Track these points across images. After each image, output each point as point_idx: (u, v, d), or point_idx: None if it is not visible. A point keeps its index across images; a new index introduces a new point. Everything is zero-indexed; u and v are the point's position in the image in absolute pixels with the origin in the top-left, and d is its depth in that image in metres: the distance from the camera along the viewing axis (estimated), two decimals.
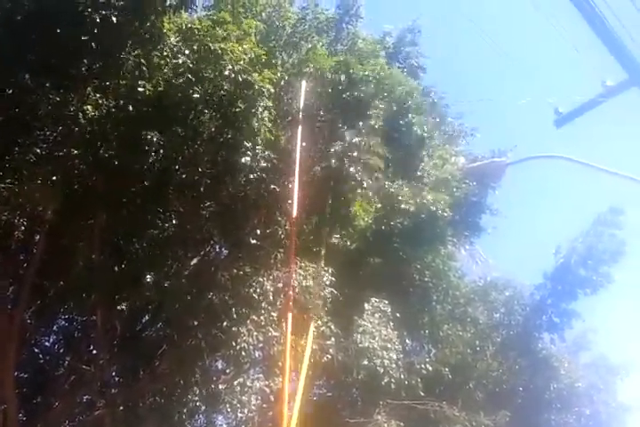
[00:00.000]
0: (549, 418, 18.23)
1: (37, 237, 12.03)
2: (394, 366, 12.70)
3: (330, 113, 13.77)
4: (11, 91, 10.03)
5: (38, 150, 10.16)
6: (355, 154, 12.92)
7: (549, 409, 18.33)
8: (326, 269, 12.55)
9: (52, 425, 12.55)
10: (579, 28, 8.01)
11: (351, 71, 13.62)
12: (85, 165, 10.84)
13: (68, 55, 9.86)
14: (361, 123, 13.39)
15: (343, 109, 13.66)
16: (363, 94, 13.58)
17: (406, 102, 14.98)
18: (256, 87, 10.93)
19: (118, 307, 12.55)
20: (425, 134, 15.22)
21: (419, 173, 15.10)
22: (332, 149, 13.00)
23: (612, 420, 19.96)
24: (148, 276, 11.71)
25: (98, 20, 9.60)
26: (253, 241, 12.45)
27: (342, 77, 13.55)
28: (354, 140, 12.98)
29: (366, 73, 13.78)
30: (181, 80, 10.70)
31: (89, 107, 10.18)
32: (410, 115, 14.97)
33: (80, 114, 10.10)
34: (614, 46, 7.78)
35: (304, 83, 13.31)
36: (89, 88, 10.31)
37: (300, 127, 12.70)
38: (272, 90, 11.38)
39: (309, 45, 14.03)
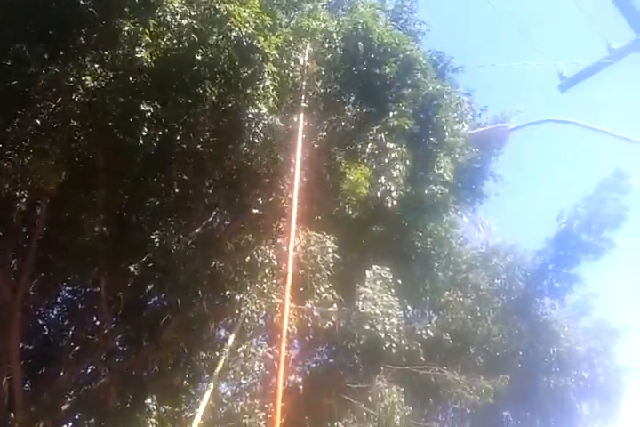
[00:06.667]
0: (549, 381, 18.55)
1: (39, 209, 12.05)
2: (395, 331, 12.78)
3: (337, 83, 13.51)
4: (9, 62, 9.86)
5: (38, 122, 9.99)
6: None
7: (549, 373, 18.64)
8: (328, 236, 12.53)
9: (57, 395, 12.68)
10: None
11: (369, 37, 13.13)
12: (85, 136, 10.72)
13: (65, 25, 9.67)
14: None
15: (354, 82, 13.41)
16: (378, 70, 13.19)
17: (436, 99, 14.19)
18: (262, 52, 10.63)
19: (121, 277, 12.60)
20: (447, 133, 14.53)
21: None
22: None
23: (611, 382, 20.29)
24: (151, 245, 11.70)
25: None
26: (256, 210, 12.45)
27: (359, 44, 13.16)
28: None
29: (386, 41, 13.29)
30: (184, 44, 10.42)
31: (87, 77, 9.92)
32: (437, 114, 14.28)
33: (79, 85, 9.91)
34: (625, 6, 7.76)
35: (309, 47, 12.90)
36: (87, 58, 10.07)
37: (304, 95, 12.46)
38: (277, 55, 11.14)
39: (311, 6, 13.50)
